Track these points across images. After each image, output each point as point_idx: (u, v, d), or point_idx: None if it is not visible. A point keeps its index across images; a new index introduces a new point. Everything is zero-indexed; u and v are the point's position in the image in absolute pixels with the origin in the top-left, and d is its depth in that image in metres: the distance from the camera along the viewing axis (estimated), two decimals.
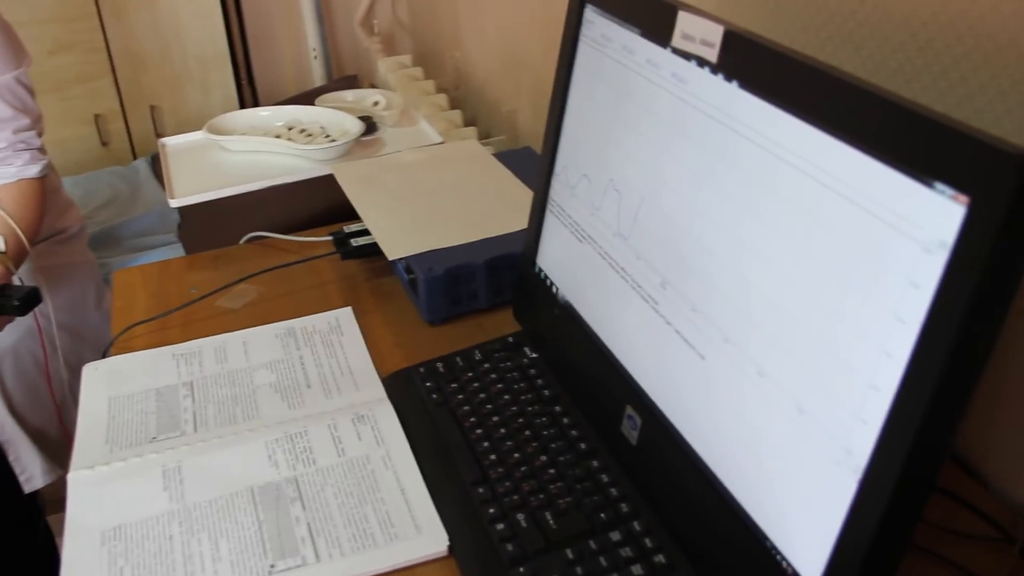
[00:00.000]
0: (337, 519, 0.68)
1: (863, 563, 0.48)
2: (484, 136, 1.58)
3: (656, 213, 0.66)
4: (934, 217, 0.43)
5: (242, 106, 2.57)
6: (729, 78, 0.57)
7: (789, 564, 0.53)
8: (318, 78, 2.53)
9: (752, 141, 0.55)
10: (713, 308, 0.59)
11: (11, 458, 1.41)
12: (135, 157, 2.54)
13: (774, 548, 0.54)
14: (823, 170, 0.50)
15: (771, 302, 0.54)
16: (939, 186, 0.43)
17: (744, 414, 0.57)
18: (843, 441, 0.49)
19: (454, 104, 1.71)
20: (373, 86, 1.97)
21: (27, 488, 1.43)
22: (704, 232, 0.60)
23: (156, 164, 2.31)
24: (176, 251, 1.19)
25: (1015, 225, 0.39)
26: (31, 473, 1.43)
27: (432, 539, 0.66)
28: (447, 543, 0.66)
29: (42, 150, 1.26)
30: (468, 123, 1.63)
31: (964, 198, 0.42)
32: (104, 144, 2.50)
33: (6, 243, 1.18)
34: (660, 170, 0.65)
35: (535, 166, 1.14)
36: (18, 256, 1.21)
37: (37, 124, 1.25)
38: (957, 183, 0.42)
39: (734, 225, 0.57)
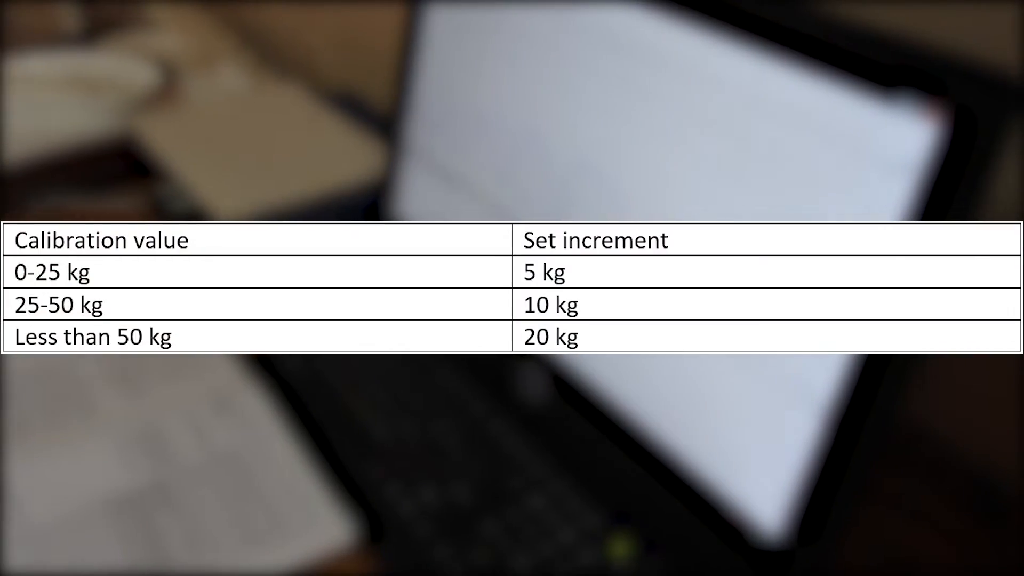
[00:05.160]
0: (221, 519, 0.59)
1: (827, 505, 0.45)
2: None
3: (537, 149, 0.60)
4: (892, 135, 0.39)
5: None
6: None
7: (742, 509, 0.50)
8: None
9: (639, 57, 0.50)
10: None
11: None
12: None
13: (719, 488, 0.51)
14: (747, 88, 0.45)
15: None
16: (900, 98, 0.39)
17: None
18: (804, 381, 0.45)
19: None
20: None
21: None
22: (600, 164, 0.55)
23: None
24: None
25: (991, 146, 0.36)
26: None
27: (332, 527, 0.58)
28: (351, 530, 0.58)
29: None
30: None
31: (938, 116, 0.38)
32: None
33: None
34: (534, 100, 0.59)
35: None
36: None
37: None
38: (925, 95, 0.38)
39: (647, 159, 0.52)
